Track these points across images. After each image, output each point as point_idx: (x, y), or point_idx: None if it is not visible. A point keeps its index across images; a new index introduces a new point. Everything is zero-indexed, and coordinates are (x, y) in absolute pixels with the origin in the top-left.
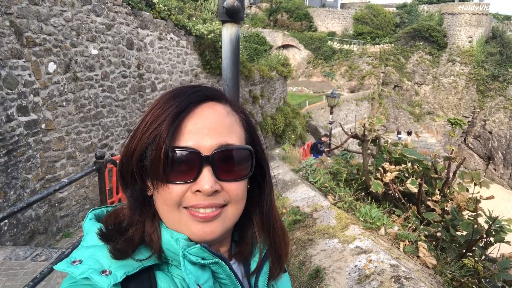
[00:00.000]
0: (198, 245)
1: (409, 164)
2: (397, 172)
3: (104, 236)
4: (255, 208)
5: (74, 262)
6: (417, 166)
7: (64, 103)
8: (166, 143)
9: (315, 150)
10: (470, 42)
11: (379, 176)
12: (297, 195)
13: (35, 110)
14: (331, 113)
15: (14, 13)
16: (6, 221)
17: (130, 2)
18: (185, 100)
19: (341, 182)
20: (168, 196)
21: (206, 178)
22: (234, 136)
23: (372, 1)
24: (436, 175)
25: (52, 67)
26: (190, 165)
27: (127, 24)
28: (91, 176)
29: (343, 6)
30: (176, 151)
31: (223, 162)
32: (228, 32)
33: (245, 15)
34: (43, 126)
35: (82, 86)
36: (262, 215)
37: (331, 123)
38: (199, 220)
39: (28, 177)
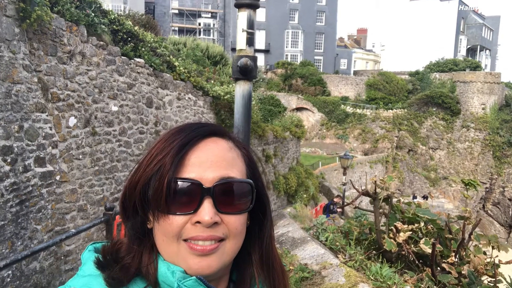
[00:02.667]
0: (194, 277)
1: (422, 224)
2: (410, 231)
3: (100, 264)
4: (254, 245)
5: None
6: (431, 227)
7: (80, 156)
8: (169, 174)
9: (328, 211)
10: (483, 109)
11: (391, 236)
12: (306, 252)
13: (51, 161)
14: (345, 174)
15: (43, 70)
16: (10, 272)
17: (152, 64)
18: (190, 134)
19: (352, 241)
20: (168, 227)
21: (207, 210)
22: (236, 170)
23: (384, 69)
24: (451, 236)
25: (72, 121)
26: (192, 196)
27: (148, 84)
28: (99, 230)
29: (355, 73)
30: (179, 182)
31: (224, 194)
32: (241, 88)
33: (261, 80)
34: (57, 177)
35: (99, 141)
36: (262, 252)
37: (344, 184)
38: (197, 253)
39: (37, 228)
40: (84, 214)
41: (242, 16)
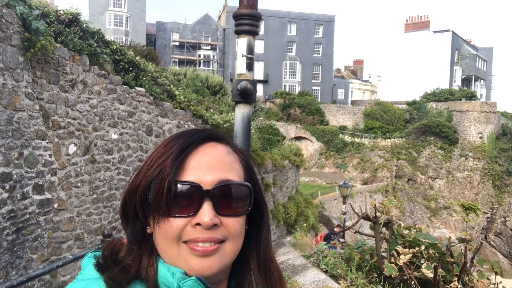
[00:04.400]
0: (194, 277)
1: (422, 247)
2: (411, 254)
3: (100, 266)
4: (252, 250)
5: None
6: (433, 252)
7: (79, 184)
8: (169, 177)
9: (328, 242)
10: (481, 138)
11: (393, 261)
12: (306, 279)
13: (50, 189)
14: (344, 203)
15: (45, 98)
16: None
17: (153, 93)
18: (189, 139)
19: (353, 266)
20: (168, 230)
21: (206, 211)
22: (234, 174)
23: (381, 99)
24: (452, 259)
25: (72, 149)
26: (191, 199)
27: (148, 112)
28: None
29: (353, 103)
30: (179, 185)
31: (223, 197)
32: (240, 111)
33: (260, 109)
34: (55, 205)
35: (98, 168)
36: (259, 255)
37: (344, 213)
38: (198, 254)
39: (33, 257)
40: (81, 243)
41: (242, 42)
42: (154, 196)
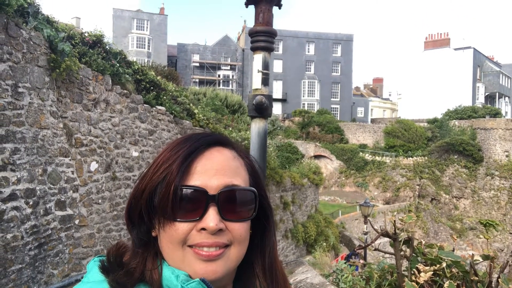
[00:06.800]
0: (197, 279)
1: (444, 264)
2: (432, 272)
3: (105, 269)
4: (257, 255)
5: None
6: (456, 271)
7: (100, 201)
8: (176, 181)
9: (348, 260)
10: (507, 156)
11: (413, 279)
12: None
13: (72, 205)
14: (366, 223)
15: (69, 116)
16: None
17: (173, 111)
18: (195, 144)
19: (373, 285)
20: (174, 234)
21: (212, 216)
22: (240, 178)
23: (401, 117)
24: (477, 278)
25: (94, 166)
26: (197, 203)
27: (168, 130)
28: None
29: (373, 121)
30: (184, 189)
31: (228, 202)
32: (256, 126)
33: (278, 128)
34: (76, 221)
35: (119, 185)
36: (265, 261)
37: (366, 233)
38: (203, 259)
39: (54, 273)
40: None
41: (258, 58)
42: (160, 200)
